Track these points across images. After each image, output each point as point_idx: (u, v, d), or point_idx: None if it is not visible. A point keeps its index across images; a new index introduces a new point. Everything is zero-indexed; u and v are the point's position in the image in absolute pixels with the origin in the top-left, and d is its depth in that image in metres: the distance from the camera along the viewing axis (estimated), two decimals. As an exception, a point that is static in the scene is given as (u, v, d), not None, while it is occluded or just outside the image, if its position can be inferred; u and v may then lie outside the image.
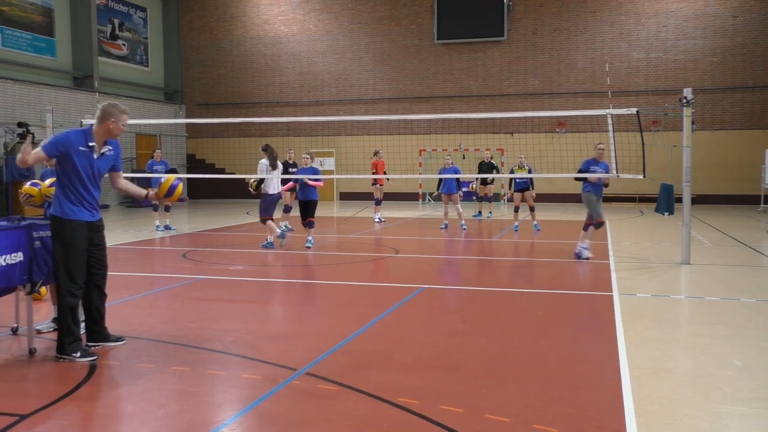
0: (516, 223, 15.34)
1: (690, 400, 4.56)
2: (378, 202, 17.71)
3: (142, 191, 6.05)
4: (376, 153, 17.55)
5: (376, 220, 17.43)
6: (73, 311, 5.51)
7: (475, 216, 18.57)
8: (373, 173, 17.50)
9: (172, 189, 6.03)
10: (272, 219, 12.25)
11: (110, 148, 5.71)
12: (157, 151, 15.93)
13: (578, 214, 20.25)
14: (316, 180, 12.60)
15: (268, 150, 12.28)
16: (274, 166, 12.19)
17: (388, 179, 17.70)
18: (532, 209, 15.17)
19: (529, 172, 15.03)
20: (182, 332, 6.27)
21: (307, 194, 12.65)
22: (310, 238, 12.54)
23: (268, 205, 12.19)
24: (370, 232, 15.27)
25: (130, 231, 15.74)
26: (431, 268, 10.93)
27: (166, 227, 15.48)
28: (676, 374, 5.14)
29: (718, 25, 24.29)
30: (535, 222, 15.29)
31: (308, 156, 12.81)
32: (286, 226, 14.46)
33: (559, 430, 3.96)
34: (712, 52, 24.35)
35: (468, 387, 4.77)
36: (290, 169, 14.94)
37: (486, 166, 18.11)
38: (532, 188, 15.08)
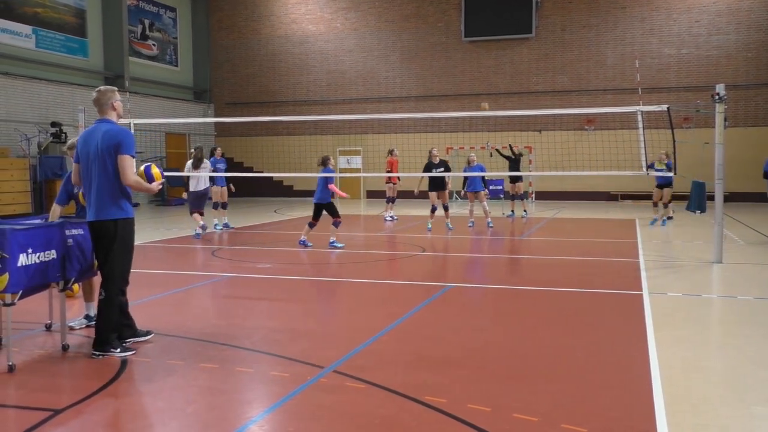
0: (655, 217, 15.88)
1: (722, 401, 4.49)
2: (390, 200, 17.58)
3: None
4: (390, 152, 17.50)
5: (388, 218, 17.33)
6: (122, 308, 5.66)
7: (508, 215, 18.33)
8: (388, 172, 17.43)
9: (149, 175, 5.87)
10: (201, 213, 13.79)
11: None
12: (218, 148, 16.07)
13: (606, 213, 20.03)
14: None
15: (195, 150, 14.10)
16: (196, 167, 13.86)
17: (399, 178, 17.62)
18: (665, 205, 15.72)
19: (669, 168, 14.74)
20: (211, 330, 6.33)
21: (327, 196, 12.30)
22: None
23: (193, 200, 13.90)
24: (396, 231, 15.26)
25: (159, 229, 15.95)
26: (458, 266, 10.90)
27: (225, 225, 15.50)
28: (707, 374, 5.06)
29: (752, 19, 23.80)
30: (671, 215, 16.01)
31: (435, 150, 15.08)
32: (447, 224, 15.04)
33: (588, 430, 3.92)
34: (746, 47, 23.87)
35: (496, 386, 4.75)
36: (434, 170, 14.87)
37: (513, 164, 17.94)
38: (672, 186, 15.58)
